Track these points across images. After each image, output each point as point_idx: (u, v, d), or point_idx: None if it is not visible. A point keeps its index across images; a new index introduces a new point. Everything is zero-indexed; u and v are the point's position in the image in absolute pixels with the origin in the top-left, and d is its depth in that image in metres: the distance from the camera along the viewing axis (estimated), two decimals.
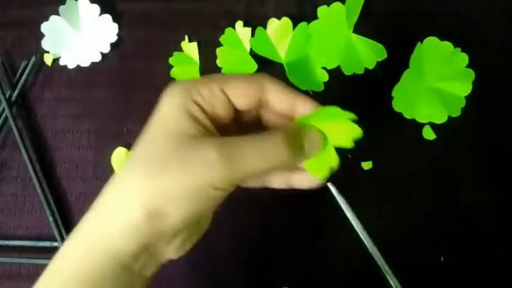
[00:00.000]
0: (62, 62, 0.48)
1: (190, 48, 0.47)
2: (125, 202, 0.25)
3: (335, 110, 0.28)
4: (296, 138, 0.27)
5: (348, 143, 0.29)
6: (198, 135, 0.25)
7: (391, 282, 0.38)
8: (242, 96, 0.27)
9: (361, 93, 0.45)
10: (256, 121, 0.30)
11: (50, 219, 0.45)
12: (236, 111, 0.28)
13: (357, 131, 0.28)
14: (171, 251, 0.27)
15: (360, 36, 0.44)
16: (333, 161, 0.29)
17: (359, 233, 0.38)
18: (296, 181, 0.30)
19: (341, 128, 0.29)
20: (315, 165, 0.29)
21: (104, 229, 0.26)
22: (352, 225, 0.38)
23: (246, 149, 0.25)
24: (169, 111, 0.27)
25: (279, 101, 0.28)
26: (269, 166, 0.26)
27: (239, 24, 0.46)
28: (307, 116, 0.28)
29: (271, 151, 0.26)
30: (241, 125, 0.29)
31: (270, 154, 0.26)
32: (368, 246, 0.38)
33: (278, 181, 0.30)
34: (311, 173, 0.29)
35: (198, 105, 0.26)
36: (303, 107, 0.28)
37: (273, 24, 0.45)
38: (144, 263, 0.26)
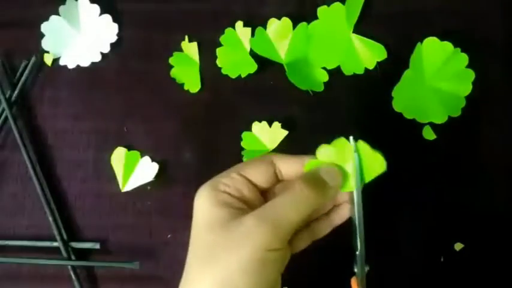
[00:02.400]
0: (62, 62, 0.48)
1: (190, 48, 0.47)
2: None
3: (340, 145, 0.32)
4: (313, 177, 0.30)
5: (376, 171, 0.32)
6: (235, 216, 0.29)
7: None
8: (259, 175, 0.31)
9: (361, 93, 0.45)
10: None
11: (50, 219, 0.45)
12: (261, 190, 0.32)
13: (380, 162, 0.32)
14: None
15: (360, 36, 0.44)
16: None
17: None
18: (337, 219, 0.34)
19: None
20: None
21: None
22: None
23: (277, 207, 0.29)
24: (203, 208, 0.30)
25: (287, 167, 0.32)
26: (302, 212, 0.29)
27: (239, 24, 0.46)
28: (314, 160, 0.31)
29: (298, 198, 0.29)
30: None
31: (298, 201, 0.29)
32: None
33: (323, 228, 0.34)
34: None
35: (225, 192, 0.30)
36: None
37: (273, 24, 0.45)
38: None
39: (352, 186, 0.31)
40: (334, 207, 0.34)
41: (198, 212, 0.30)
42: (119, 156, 0.46)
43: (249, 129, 0.45)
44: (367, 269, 0.33)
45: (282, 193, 0.30)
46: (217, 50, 0.46)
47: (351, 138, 0.31)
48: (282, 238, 0.28)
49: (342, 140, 0.31)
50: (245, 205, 0.30)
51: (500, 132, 0.44)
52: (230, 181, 0.31)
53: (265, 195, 0.32)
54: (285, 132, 0.44)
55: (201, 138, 0.46)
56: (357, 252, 0.32)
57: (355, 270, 0.33)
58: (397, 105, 0.44)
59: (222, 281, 0.27)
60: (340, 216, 0.34)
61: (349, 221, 0.33)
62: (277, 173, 0.32)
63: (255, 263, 0.27)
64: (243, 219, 0.28)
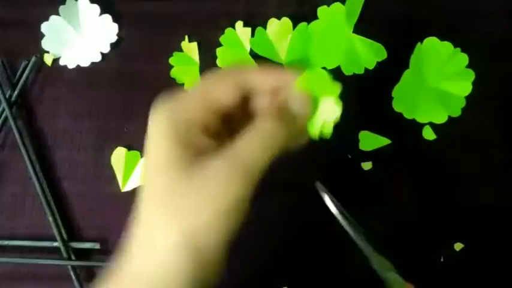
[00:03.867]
0: (62, 62, 0.48)
1: (190, 48, 0.47)
2: (163, 252, 0.25)
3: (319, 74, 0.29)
4: (281, 111, 0.27)
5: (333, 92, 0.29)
6: (199, 156, 0.25)
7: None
8: (225, 96, 0.27)
9: (361, 93, 0.45)
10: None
11: (50, 219, 0.45)
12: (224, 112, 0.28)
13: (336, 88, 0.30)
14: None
15: (360, 36, 0.44)
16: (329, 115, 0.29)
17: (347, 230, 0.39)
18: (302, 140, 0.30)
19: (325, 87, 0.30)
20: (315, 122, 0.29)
21: (144, 277, 0.25)
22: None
23: (245, 148, 0.25)
24: (160, 144, 0.26)
25: (262, 84, 0.28)
26: (272, 151, 0.26)
27: (239, 24, 0.46)
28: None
29: (266, 139, 0.26)
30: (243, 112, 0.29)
31: (266, 142, 0.26)
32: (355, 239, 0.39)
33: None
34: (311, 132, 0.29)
35: (187, 126, 0.26)
36: (286, 79, 0.28)
37: (273, 24, 0.45)
38: None
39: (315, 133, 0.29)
40: None
41: (153, 148, 0.26)
42: (119, 156, 0.46)
43: None
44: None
45: (249, 129, 0.26)
46: (217, 50, 0.46)
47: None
48: (253, 184, 0.25)
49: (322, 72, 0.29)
50: (208, 138, 0.26)
51: (500, 132, 0.44)
52: (193, 109, 0.27)
53: (229, 117, 0.28)
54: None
55: None
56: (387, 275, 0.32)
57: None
58: (397, 105, 0.44)
59: (191, 232, 0.24)
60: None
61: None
62: (245, 89, 0.28)
63: (227, 213, 0.24)
64: (209, 163, 0.25)
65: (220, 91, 0.27)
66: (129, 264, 0.26)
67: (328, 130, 0.29)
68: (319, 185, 0.40)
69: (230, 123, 0.29)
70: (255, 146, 0.26)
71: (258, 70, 0.28)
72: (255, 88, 0.28)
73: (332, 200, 0.39)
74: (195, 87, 0.28)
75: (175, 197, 0.25)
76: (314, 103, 0.29)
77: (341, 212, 0.39)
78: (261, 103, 0.29)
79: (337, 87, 0.30)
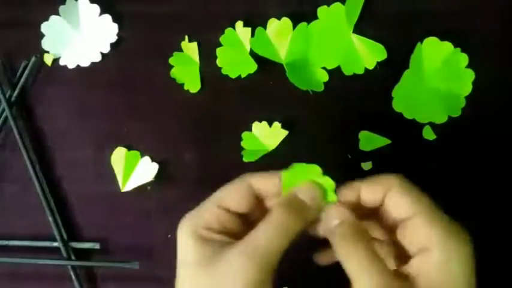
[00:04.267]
0: (62, 62, 0.48)
1: (190, 48, 0.47)
2: None
3: (299, 168, 0.31)
4: (290, 200, 0.30)
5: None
6: (219, 251, 0.28)
7: None
8: (238, 202, 0.31)
9: (361, 93, 0.45)
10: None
11: (50, 219, 0.45)
12: (243, 214, 0.31)
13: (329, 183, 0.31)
14: None
15: (360, 36, 0.44)
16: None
17: None
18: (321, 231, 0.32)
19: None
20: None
21: None
22: None
23: (258, 238, 0.28)
24: (187, 245, 0.29)
25: (265, 186, 0.31)
26: (285, 239, 0.28)
27: (239, 24, 0.46)
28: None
29: (278, 226, 0.28)
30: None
31: (279, 229, 0.28)
32: None
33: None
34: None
35: (207, 228, 0.30)
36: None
37: (273, 24, 0.45)
38: None
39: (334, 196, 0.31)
40: None
41: (180, 248, 0.30)
42: (118, 156, 0.46)
43: (249, 129, 0.45)
44: None
45: (262, 222, 0.29)
46: (217, 50, 0.46)
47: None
48: (269, 270, 0.28)
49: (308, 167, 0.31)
50: (228, 237, 0.30)
51: (500, 132, 0.44)
52: (210, 216, 0.30)
53: (247, 217, 0.32)
54: (285, 133, 0.44)
55: (201, 138, 0.46)
56: None
57: None
58: (397, 105, 0.44)
59: None
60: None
61: None
62: (256, 194, 0.31)
63: None
64: (226, 255, 0.28)
65: (233, 201, 0.31)
66: None
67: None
68: None
69: (251, 221, 0.31)
70: (269, 236, 0.28)
71: (264, 177, 0.31)
72: (265, 192, 0.31)
73: None
74: (210, 200, 0.31)
75: None
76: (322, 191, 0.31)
77: None
78: (273, 201, 0.32)
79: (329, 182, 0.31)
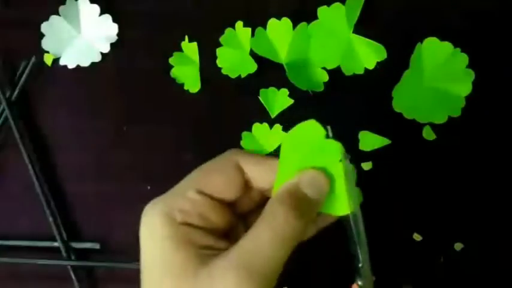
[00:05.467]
0: (62, 62, 0.48)
1: (190, 48, 0.47)
2: None
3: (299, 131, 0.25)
4: (292, 194, 0.23)
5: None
6: (201, 259, 0.22)
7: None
8: (223, 187, 0.24)
9: (361, 93, 0.45)
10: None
11: (50, 219, 0.45)
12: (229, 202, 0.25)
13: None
14: None
15: (360, 36, 0.44)
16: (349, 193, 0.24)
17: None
18: (321, 222, 0.27)
19: (319, 147, 0.24)
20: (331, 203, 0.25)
21: None
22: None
23: (254, 246, 0.22)
24: (155, 247, 0.23)
25: (259, 173, 0.25)
26: (287, 244, 0.23)
27: (239, 24, 0.46)
28: (279, 172, 0.24)
29: (278, 233, 0.22)
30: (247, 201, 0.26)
31: (280, 237, 0.22)
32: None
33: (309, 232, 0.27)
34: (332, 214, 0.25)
35: (184, 223, 0.23)
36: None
37: (273, 24, 0.45)
38: None
39: (348, 207, 0.24)
40: None
41: (149, 251, 0.23)
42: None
43: (249, 129, 0.45)
44: (373, 279, 0.28)
45: (256, 224, 0.23)
46: (217, 50, 0.46)
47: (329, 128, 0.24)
48: (268, 284, 0.22)
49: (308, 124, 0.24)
50: (213, 236, 0.23)
51: (500, 132, 0.44)
52: (189, 205, 0.23)
53: (235, 207, 0.25)
54: (285, 135, 0.44)
55: (201, 138, 0.46)
56: (360, 265, 0.27)
57: (359, 283, 0.28)
58: (397, 105, 0.44)
59: None
60: (324, 220, 0.27)
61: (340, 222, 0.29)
62: (246, 179, 0.25)
63: None
64: (216, 268, 0.22)
65: (217, 184, 0.24)
66: None
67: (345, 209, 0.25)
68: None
69: (239, 213, 0.25)
70: (265, 245, 0.22)
71: (255, 158, 0.25)
72: (256, 179, 0.25)
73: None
74: (187, 182, 0.24)
75: None
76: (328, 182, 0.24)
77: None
78: (267, 191, 0.25)
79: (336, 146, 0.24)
